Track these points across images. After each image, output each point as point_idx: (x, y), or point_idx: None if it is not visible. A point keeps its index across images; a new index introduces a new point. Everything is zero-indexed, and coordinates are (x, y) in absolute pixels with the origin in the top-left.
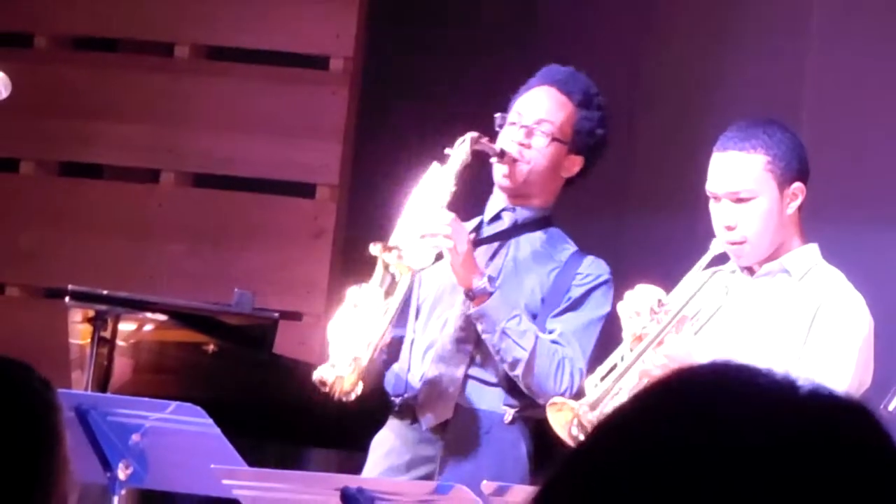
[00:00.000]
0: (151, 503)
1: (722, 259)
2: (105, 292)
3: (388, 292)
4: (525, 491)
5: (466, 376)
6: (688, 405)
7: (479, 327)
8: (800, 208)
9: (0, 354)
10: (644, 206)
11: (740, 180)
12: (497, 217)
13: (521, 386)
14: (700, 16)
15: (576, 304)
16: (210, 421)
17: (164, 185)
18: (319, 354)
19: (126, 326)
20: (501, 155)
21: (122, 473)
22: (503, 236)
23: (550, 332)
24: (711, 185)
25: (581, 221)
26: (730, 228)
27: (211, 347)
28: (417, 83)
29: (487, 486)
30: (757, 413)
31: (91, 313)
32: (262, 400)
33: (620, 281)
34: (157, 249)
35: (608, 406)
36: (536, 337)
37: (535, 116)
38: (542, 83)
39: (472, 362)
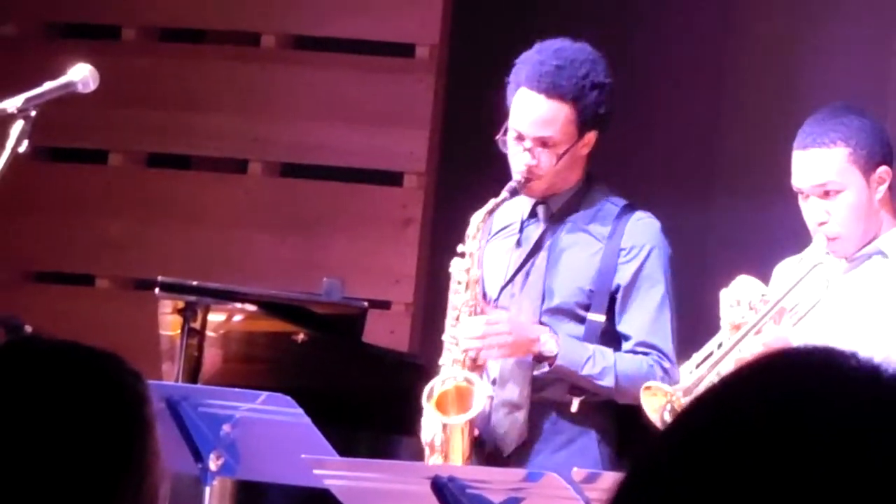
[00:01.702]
0: (244, 494)
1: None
2: (194, 283)
3: None
4: (615, 477)
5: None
6: (776, 384)
7: (568, 381)
8: (890, 188)
9: (91, 346)
10: (731, 196)
11: (825, 175)
12: (533, 213)
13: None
14: (783, 3)
15: (633, 294)
16: (300, 411)
17: (252, 175)
18: (409, 343)
19: (216, 317)
20: (515, 192)
21: (213, 464)
22: (547, 235)
23: (627, 338)
24: (798, 182)
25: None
26: (822, 224)
27: (300, 337)
28: (504, 70)
29: (578, 473)
30: (839, 394)
31: (180, 304)
32: (351, 389)
33: (708, 273)
34: (245, 240)
35: None
36: (615, 366)
37: (536, 133)
38: (532, 88)
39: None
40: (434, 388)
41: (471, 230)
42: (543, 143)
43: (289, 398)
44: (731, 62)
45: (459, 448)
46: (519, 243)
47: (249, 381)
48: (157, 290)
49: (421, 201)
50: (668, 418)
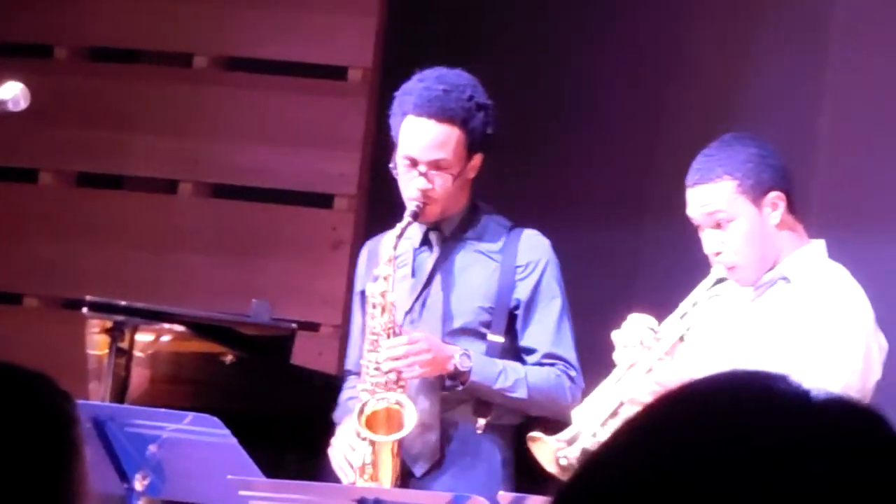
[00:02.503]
0: None
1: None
2: (123, 303)
3: None
4: (542, 501)
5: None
6: (702, 410)
7: (481, 397)
8: (792, 210)
9: (21, 366)
10: (662, 221)
11: (714, 209)
12: (425, 241)
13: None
14: (718, 26)
15: (534, 308)
16: (227, 431)
17: (183, 196)
18: (337, 365)
19: (144, 337)
20: (416, 216)
21: (139, 484)
22: (441, 260)
23: (531, 351)
24: (691, 215)
25: (597, 233)
26: (718, 254)
27: (229, 358)
28: None
29: (504, 496)
30: (769, 417)
31: (109, 324)
32: (279, 410)
33: (636, 292)
34: (175, 260)
35: (589, 440)
36: (527, 378)
37: (429, 157)
38: (421, 114)
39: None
40: (365, 408)
41: (384, 254)
42: (437, 166)
43: (216, 419)
44: (664, 87)
45: (389, 468)
46: (413, 272)
47: (177, 402)
48: (85, 310)
49: (351, 223)
50: (564, 463)
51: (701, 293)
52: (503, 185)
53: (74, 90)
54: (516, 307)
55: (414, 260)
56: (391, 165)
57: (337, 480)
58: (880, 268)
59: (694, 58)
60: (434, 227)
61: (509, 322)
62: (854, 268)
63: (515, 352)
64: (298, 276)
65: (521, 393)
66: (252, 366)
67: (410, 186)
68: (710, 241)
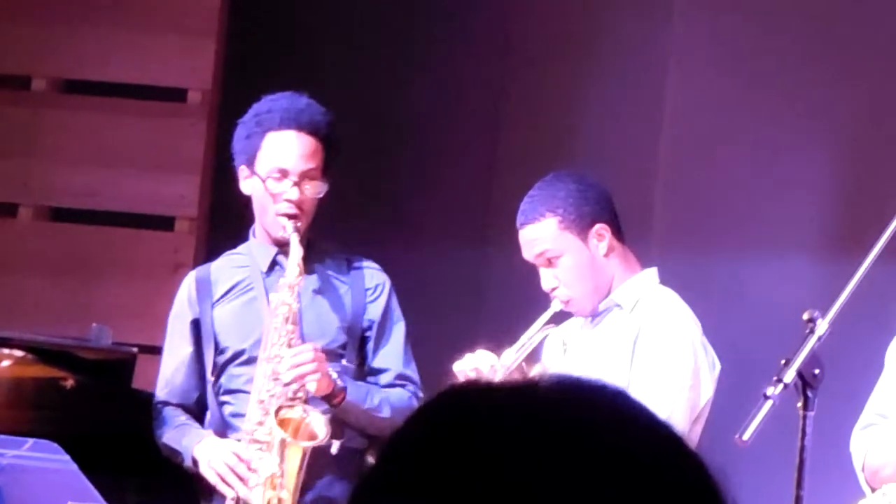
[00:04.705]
0: None
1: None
2: None
3: None
4: None
5: None
6: (428, 416)
7: (347, 418)
8: (621, 240)
9: None
10: (506, 244)
11: (542, 245)
12: (275, 264)
13: None
14: (558, 44)
15: (385, 330)
16: (67, 457)
17: (22, 220)
18: None
19: None
20: (298, 229)
21: None
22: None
23: (383, 371)
24: (524, 255)
25: (445, 258)
26: (554, 289)
27: (69, 383)
28: None
29: None
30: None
31: None
32: (120, 435)
33: (479, 317)
34: (15, 284)
35: None
36: (389, 398)
37: (303, 167)
38: (290, 128)
39: None
40: (281, 411)
41: (291, 266)
42: (309, 175)
43: (56, 445)
44: (507, 111)
45: (293, 479)
46: (267, 296)
47: (17, 428)
48: None
49: (192, 246)
50: None
51: (538, 326)
52: (345, 210)
53: None
54: (369, 328)
55: (264, 283)
56: (247, 187)
57: (213, 492)
58: (717, 287)
59: (532, 78)
60: (282, 251)
61: (359, 346)
62: (691, 288)
63: (363, 374)
64: (139, 300)
65: (386, 412)
66: (93, 390)
67: (281, 200)
68: (545, 279)
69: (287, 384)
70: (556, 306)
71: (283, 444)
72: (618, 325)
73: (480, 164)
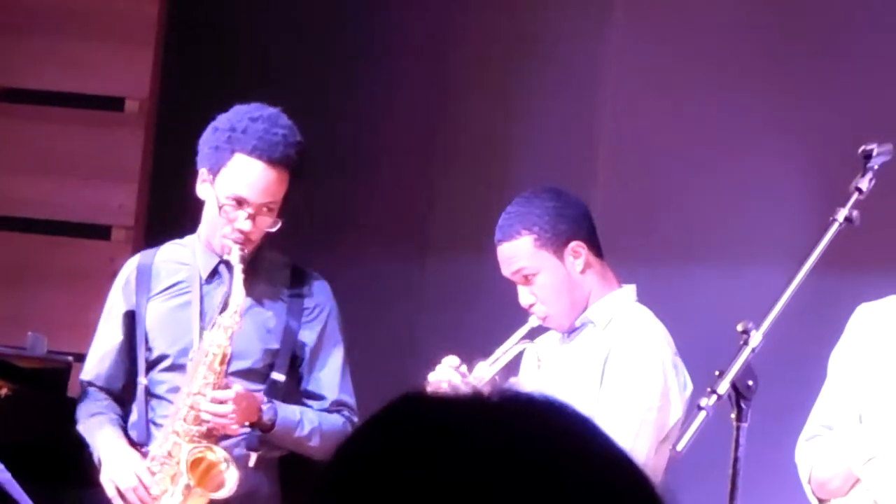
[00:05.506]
0: None
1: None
2: None
3: None
4: None
5: None
6: (375, 426)
7: (275, 441)
8: (599, 256)
9: None
10: (445, 248)
11: (518, 263)
12: (216, 273)
13: None
14: (497, 48)
15: (321, 354)
16: (1, 466)
17: None
18: None
19: None
20: (245, 259)
21: None
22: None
23: (319, 398)
24: (503, 272)
25: (380, 267)
26: (531, 306)
27: (3, 391)
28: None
29: None
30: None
31: None
32: (56, 444)
33: (419, 329)
34: None
35: None
36: (321, 426)
37: (263, 200)
38: (261, 158)
39: None
40: (198, 450)
41: (233, 304)
42: (267, 208)
43: None
44: (446, 118)
45: None
46: (202, 304)
47: None
48: None
49: (128, 255)
50: None
51: (514, 341)
52: (287, 216)
53: None
54: (302, 349)
55: (201, 289)
56: (203, 192)
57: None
58: (653, 298)
59: (470, 84)
60: (224, 263)
61: (292, 362)
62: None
63: (296, 392)
64: (75, 309)
65: (314, 442)
66: (28, 399)
67: (231, 226)
68: (522, 295)
69: (203, 422)
70: (533, 322)
71: (188, 487)
72: (590, 343)
73: (419, 171)
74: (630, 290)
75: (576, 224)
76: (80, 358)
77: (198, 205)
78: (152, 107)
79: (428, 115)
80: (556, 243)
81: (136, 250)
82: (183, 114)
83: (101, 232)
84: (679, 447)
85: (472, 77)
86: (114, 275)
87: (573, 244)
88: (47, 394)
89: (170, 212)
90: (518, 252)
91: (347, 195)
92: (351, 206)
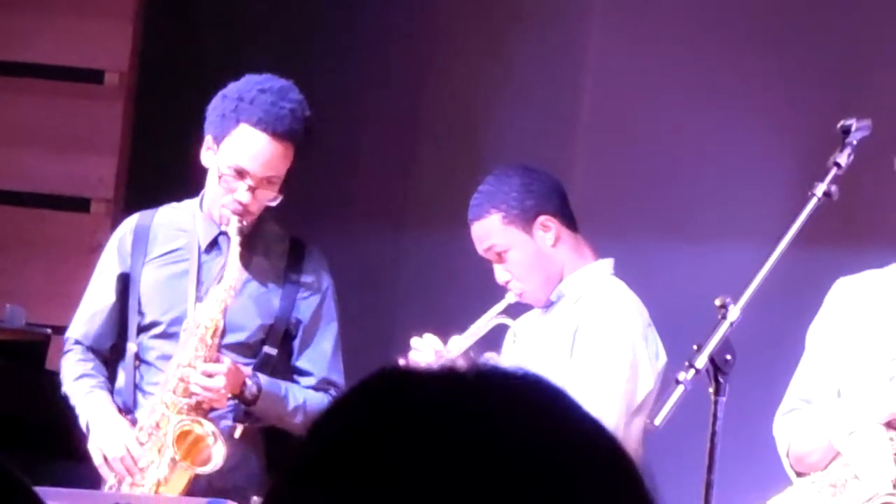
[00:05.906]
0: None
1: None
2: None
3: None
4: None
5: None
6: (352, 400)
7: (257, 415)
8: (573, 229)
9: None
10: (423, 224)
11: (488, 241)
12: (215, 244)
13: None
14: (477, 27)
15: (314, 332)
16: None
17: None
18: None
19: None
20: (242, 232)
21: None
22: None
23: (306, 374)
24: (479, 253)
25: (360, 241)
26: (507, 283)
27: None
28: (193, 98)
29: (258, 501)
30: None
31: None
32: (34, 417)
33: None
34: None
35: None
36: (305, 405)
37: (266, 173)
38: (265, 130)
39: None
40: (185, 423)
41: (228, 277)
42: (269, 181)
43: None
44: (420, 97)
45: (177, 490)
46: (199, 274)
47: None
48: None
49: (109, 228)
50: None
51: (490, 316)
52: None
53: None
54: (295, 325)
55: (199, 259)
56: (206, 159)
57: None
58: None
59: (450, 63)
60: (224, 234)
61: (284, 337)
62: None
63: (286, 366)
64: (55, 281)
65: (298, 419)
66: (6, 371)
67: (231, 197)
68: (498, 273)
69: (192, 394)
70: (509, 298)
71: (173, 461)
72: (562, 316)
73: (398, 149)
74: (606, 263)
75: (544, 199)
76: (60, 330)
77: (176, 179)
78: (132, 80)
79: (409, 88)
80: (524, 219)
81: (115, 223)
82: (162, 87)
83: (80, 205)
84: (657, 421)
85: (453, 53)
86: (94, 248)
87: (542, 218)
88: (25, 366)
89: (149, 184)
90: (488, 230)
91: (326, 170)
92: (329, 181)
